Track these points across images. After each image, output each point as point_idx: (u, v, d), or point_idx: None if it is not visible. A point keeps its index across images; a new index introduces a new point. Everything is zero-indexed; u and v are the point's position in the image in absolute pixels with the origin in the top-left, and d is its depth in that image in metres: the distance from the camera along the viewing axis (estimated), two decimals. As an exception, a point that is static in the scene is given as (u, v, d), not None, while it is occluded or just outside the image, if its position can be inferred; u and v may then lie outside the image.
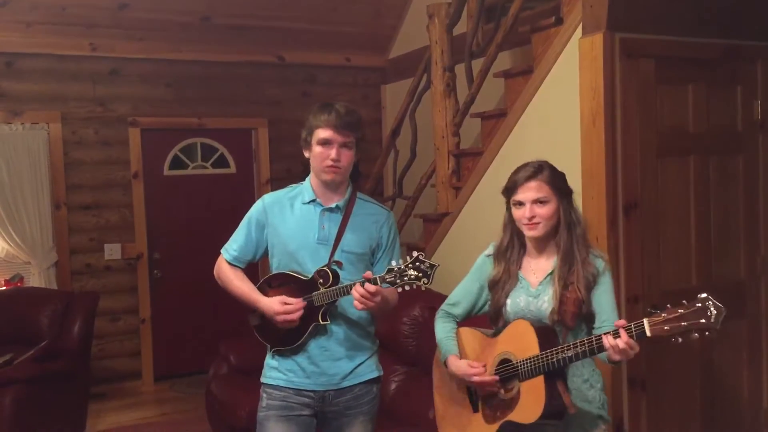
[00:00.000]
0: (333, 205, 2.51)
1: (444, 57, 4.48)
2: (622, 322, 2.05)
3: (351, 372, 2.52)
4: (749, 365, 3.60)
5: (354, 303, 2.36)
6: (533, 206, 2.28)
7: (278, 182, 5.82)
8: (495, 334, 2.39)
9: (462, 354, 2.44)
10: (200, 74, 5.90)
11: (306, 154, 2.53)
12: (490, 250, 2.48)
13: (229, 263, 2.60)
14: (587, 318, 2.28)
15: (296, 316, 2.43)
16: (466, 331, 2.49)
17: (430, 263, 2.30)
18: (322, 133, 2.43)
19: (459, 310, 2.51)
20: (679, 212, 3.40)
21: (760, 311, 3.63)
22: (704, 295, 1.94)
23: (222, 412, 4.09)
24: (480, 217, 4.08)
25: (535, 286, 2.33)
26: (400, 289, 2.32)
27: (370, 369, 2.57)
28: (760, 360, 3.63)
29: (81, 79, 5.56)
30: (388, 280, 2.31)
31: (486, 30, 4.60)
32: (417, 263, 2.29)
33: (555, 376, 2.16)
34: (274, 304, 2.46)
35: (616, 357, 2.04)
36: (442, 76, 4.49)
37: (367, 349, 2.58)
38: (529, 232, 2.32)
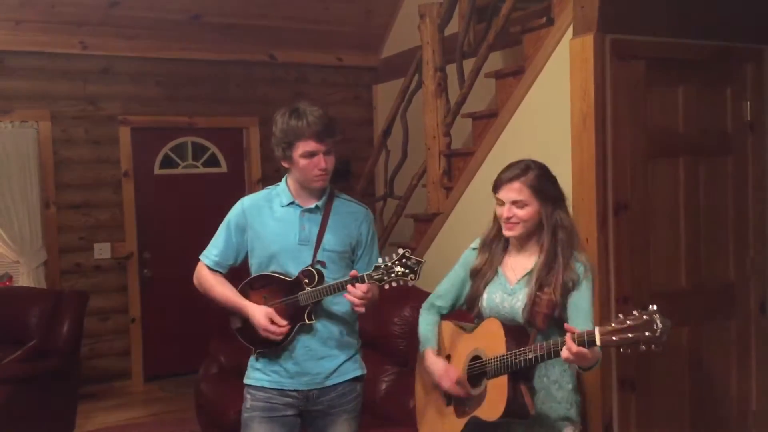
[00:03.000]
0: (312, 206, 2.52)
1: (435, 57, 4.48)
2: (574, 329, 2.05)
3: (335, 371, 2.54)
4: (738, 367, 3.61)
5: (355, 308, 2.38)
6: (512, 207, 2.32)
7: (269, 181, 5.69)
8: (471, 330, 2.44)
9: (442, 348, 2.49)
10: (191, 73, 5.88)
11: (285, 165, 2.52)
12: (475, 244, 2.52)
13: (211, 269, 2.59)
14: (559, 321, 2.28)
15: (280, 337, 2.44)
16: (447, 325, 2.54)
17: (416, 259, 2.32)
18: (306, 147, 2.42)
19: (443, 302, 2.56)
20: (668, 213, 3.41)
21: (749, 312, 3.63)
22: (653, 307, 1.93)
23: (212, 412, 4.08)
24: (471, 217, 4.08)
25: (513, 284, 2.36)
26: (387, 286, 2.33)
27: (353, 367, 2.59)
28: (749, 361, 3.64)
29: (71, 78, 5.53)
30: (375, 277, 2.33)
31: (477, 30, 4.60)
32: (404, 260, 2.31)
33: (519, 376, 2.21)
34: (261, 318, 2.44)
35: (571, 360, 2.05)
36: (433, 76, 4.48)
37: (351, 347, 2.60)
38: (506, 233, 2.36)
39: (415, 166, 4.95)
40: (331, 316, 2.53)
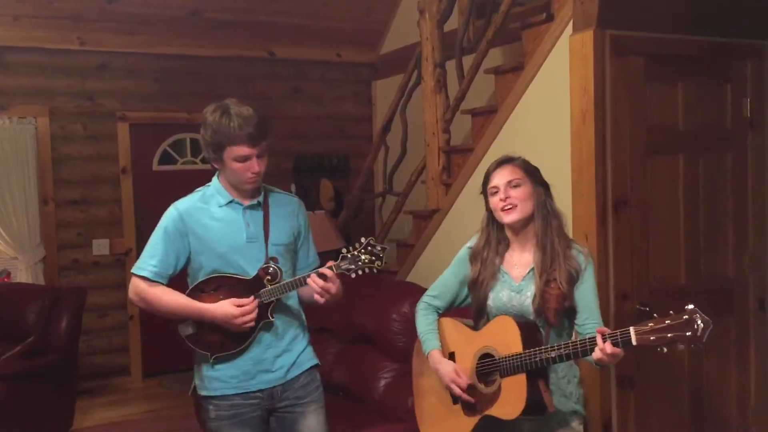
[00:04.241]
0: (255, 202, 2.50)
1: (435, 53, 4.47)
2: (605, 329, 2.05)
3: (293, 363, 2.53)
4: (737, 363, 3.61)
5: (315, 296, 2.37)
6: (507, 188, 2.30)
7: (267, 179, 5.75)
8: (478, 327, 2.41)
9: (443, 345, 2.46)
10: (190, 69, 5.87)
11: (215, 165, 2.47)
12: (472, 241, 2.49)
13: (151, 281, 2.43)
14: (569, 313, 2.29)
15: (254, 316, 2.39)
16: (448, 322, 2.51)
17: (381, 246, 2.35)
18: (239, 151, 2.36)
19: (440, 302, 2.54)
20: (668, 209, 3.40)
21: (748, 309, 3.63)
22: (691, 307, 1.91)
23: (210, 408, 4.06)
24: (470, 213, 4.06)
25: (518, 281, 2.34)
26: (354, 275, 2.34)
27: (309, 357, 2.59)
28: (747, 358, 3.64)
29: (69, 74, 5.53)
30: (343, 267, 2.34)
31: (477, 26, 4.59)
32: (369, 247, 2.33)
33: (537, 374, 2.19)
34: (227, 308, 2.37)
35: (605, 360, 2.04)
36: (432, 73, 4.47)
37: (304, 338, 2.60)
38: (506, 218, 2.32)
39: (414, 163, 4.95)
40: (287, 311, 2.52)
